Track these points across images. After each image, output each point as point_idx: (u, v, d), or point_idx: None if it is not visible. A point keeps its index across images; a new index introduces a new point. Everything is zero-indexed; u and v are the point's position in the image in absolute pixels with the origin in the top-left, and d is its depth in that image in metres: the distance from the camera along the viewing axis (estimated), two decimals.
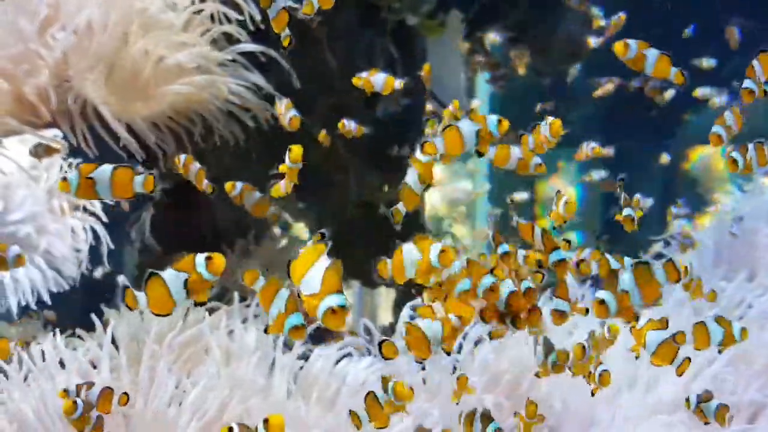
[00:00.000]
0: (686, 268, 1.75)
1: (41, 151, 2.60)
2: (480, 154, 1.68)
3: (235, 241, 2.75)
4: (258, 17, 2.44)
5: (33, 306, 3.35)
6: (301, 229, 3.23)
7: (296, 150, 1.96)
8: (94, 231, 3.53)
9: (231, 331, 2.31)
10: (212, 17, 2.44)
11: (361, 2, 2.81)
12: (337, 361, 2.33)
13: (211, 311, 2.38)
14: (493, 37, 2.61)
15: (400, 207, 1.82)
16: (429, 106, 3.34)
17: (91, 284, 3.59)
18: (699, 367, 2.12)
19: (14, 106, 2.17)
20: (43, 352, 2.11)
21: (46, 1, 2.18)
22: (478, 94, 3.92)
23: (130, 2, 2.32)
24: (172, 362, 2.18)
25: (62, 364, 2.11)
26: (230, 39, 2.49)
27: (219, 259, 1.36)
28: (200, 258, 1.37)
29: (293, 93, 2.60)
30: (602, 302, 1.49)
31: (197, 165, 2.15)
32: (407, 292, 3.08)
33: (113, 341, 2.24)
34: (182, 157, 2.13)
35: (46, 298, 3.42)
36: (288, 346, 2.29)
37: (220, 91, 2.41)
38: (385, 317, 3.27)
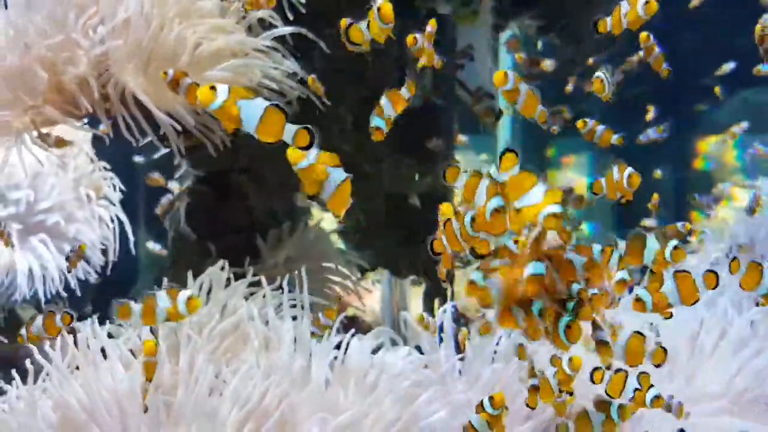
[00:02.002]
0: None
1: (53, 142, 2.60)
2: None
3: (267, 231, 2.75)
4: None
5: (62, 293, 3.38)
6: (329, 219, 3.22)
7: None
8: (119, 220, 3.55)
9: (266, 322, 2.32)
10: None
11: None
12: (374, 351, 2.33)
13: (246, 298, 2.39)
14: (529, 26, 2.59)
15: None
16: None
17: (119, 272, 3.61)
18: (743, 360, 2.12)
19: (53, 96, 2.18)
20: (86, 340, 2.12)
21: None
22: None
23: None
24: (210, 352, 2.19)
25: (103, 353, 2.12)
26: (265, 26, 2.49)
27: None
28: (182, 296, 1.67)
29: (325, 81, 2.60)
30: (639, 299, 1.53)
31: None
32: (437, 283, 3.09)
33: (151, 330, 2.25)
34: None
35: (74, 285, 3.45)
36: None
37: (255, 76, 2.40)
38: (415, 307, 3.28)
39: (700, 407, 2.10)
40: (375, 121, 1.90)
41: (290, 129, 1.36)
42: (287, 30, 2.43)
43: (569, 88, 3.46)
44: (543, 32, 3.24)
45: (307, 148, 1.36)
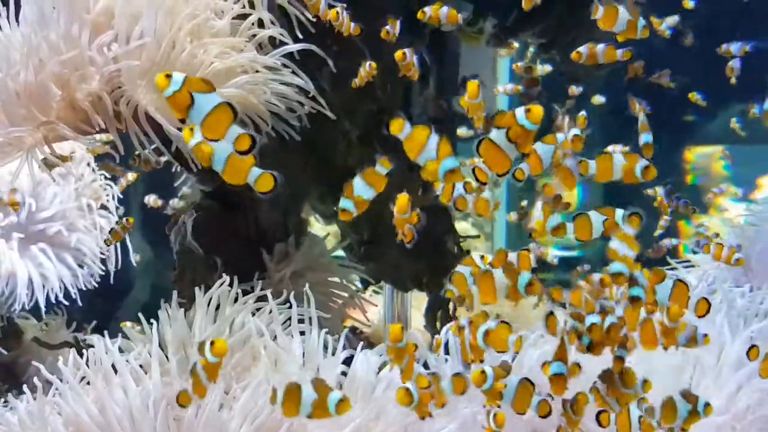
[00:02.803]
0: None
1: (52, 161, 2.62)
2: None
3: (273, 245, 2.77)
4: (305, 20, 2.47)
5: (63, 301, 3.38)
6: (335, 231, 3.25)
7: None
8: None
9: (275, 337, 2.34)
10: (260, 23, 2.46)
11: (403, 10, 2.83)
12: (380, 366, 2.36)
13: (252, 313, 2.41)
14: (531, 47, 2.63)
15: None
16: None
17: (119, 284, 3.63)
18: (743, 378, 2.15)
19: (66, 112, 2.19)
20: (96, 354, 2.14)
21: (98, 7, 2.20)
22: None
23: (179, 9, 2.33)
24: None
25: (114, 368, 2.14)
26: (275, 44, 2.51)
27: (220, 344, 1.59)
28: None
29: (334, 97, 2.63)
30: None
31: None
32: (439, 296, 3.12)
33: (160, 346, 2.28)
34: None
35: (75, 295, 3.46)
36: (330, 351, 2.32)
37: (265, 93, 2.43)
38: (417, 321, 3.30)
39: (702, 423, 2.13)
40: (344, 203, 1.75)
41: (234, 130, 1.35)
42: (297, 47, 2.46)
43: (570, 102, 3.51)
44: (544, 50, 3.28)
45: (247, 153, 1.37)
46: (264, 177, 1.39)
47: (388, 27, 2.55)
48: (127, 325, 2.52)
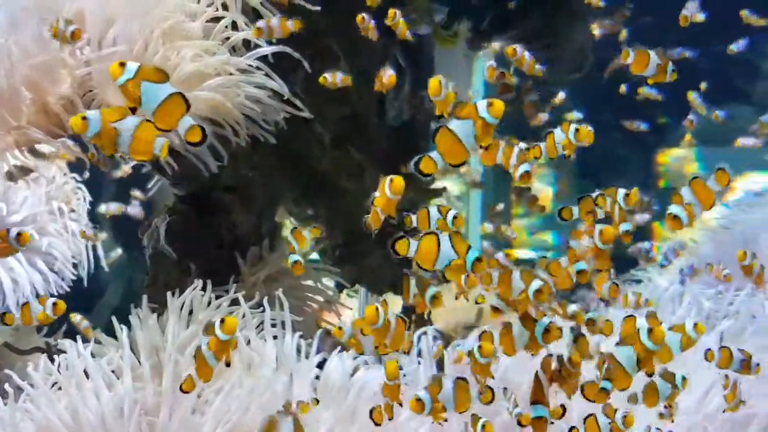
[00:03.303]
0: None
1: (17, 173, 2.61)
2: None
3: (247, 249, 2.76)
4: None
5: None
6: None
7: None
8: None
9: (248, 341, 2.33)
10: (234, 25, 2.45)
11: (376, 12, 2.84)
12: (354, 370, 2.36)
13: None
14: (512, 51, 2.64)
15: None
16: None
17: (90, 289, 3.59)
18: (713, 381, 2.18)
19: (38, 117, 2.17)
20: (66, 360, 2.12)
21: (71, 11, 2.18)
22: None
23: (152, 11, 2.32)
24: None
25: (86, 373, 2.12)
26: (250, 47, 2.51)
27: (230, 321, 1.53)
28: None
29: (308, 100, 2.63)
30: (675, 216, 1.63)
31: None
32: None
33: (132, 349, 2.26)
34: None
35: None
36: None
37: (238, 96, 2.43)
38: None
39: (675, 423, 2.16)
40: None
41: (186, 121, 1.37)
42: (270, 49, 2.46)
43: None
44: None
45: (199, 144, 1.38)
46: (194, 128, 1.38)
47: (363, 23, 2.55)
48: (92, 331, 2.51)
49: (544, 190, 7.33)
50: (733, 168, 1.70)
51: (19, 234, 1.79)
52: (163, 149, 1.40)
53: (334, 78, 2.37)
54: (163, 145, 1.40)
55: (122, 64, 1.32)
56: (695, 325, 1.55)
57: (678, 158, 6.92)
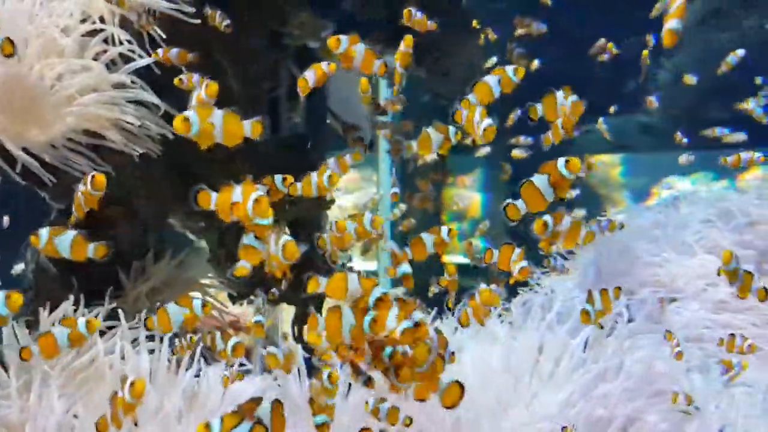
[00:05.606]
0: None
1: None
2: None
3: (130, 263, 2.76)
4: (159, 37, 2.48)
5: None
6: (202, 247, 3.25)
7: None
8: None
9: (122, 357, 2.33)
10: (112, 39, 2.46)
11: (265, 28, 2.87)
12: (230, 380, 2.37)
13: (102, 334, 2.40)
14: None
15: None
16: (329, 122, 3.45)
17: None
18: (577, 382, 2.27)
19: None
20: None
21: None
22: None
23: (26, 28, 2.31)
24: (63, 387, 2.20)
25: None
26: (129, 61, 2.51)
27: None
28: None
29: None
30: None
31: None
32: (304, 310, 3.15)
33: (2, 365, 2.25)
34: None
35: None
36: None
37: (114, 111, 2.44)
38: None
39: (538, 428, 2.24)
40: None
41: None
42: (145, 61, 2.47)
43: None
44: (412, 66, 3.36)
45: None
46: None
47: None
48: None
49: (473, 197, 7.45)
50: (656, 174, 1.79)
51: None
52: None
53: (189, 79, 2.34)
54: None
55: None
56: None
57: (603, 163, 7.13)
